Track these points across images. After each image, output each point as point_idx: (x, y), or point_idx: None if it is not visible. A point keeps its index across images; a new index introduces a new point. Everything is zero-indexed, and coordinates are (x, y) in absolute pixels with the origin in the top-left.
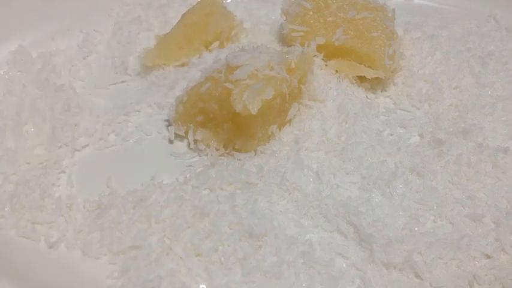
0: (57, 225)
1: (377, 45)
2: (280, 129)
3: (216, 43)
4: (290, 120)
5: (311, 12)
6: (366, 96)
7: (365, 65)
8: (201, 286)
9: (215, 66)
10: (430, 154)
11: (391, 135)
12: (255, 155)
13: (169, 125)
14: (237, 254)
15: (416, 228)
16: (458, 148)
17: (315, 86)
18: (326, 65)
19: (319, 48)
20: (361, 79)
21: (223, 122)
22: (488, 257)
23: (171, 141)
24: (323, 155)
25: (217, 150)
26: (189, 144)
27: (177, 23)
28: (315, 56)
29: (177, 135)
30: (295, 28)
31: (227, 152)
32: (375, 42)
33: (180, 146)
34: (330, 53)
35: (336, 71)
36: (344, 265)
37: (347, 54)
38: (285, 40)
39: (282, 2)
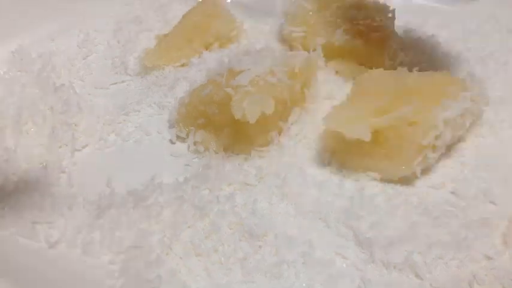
0: (57, 225)
1: (377, 45)
2: (280, 134)
3: (216, 43)
4: (291, 124)
5: (311, 13)
6: None
7: (365, 66)
8: (201, 286)
9: (218, 69)
10: (435, 156)
11: None
12: (255, 158)
13: (171, 125)
14: (237, 254)
15: (416, 228)
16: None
17: (317, 87)
18: (326, 66)
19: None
20: None
21: (224, 125)
22: (488, 257)
23: (171, 142)
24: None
25: (216, 153)
26: (189, 145)
27: (178, 23)
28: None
29: (178, 136)
30: (295, 29)
31: (226, 155)
32: (375, 43)
33: (181, 146)
34: (330, 53)
35: (337, 72)
36: (344, 265)
37: (347, 54)
38: (285, 40)
39: (282, 2)
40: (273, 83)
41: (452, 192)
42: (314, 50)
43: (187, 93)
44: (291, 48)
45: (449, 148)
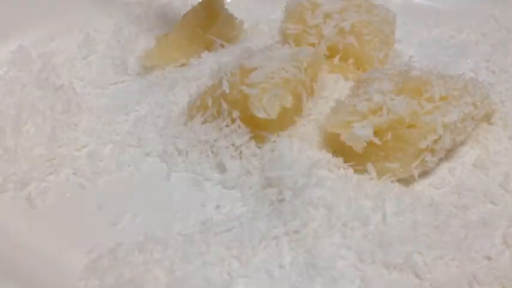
0: (57, 225)
1: (368, 48)
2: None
3: (216, 43)
4: (307, 116)
5: (310, 11)
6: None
7: (355, 67)
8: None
9: (225, 69)
10: (434, 160)
11: None
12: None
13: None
14: (237, 254)
15: (416, 228)
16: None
17: (324, 81)
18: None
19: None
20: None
21: (242, 124)
22: (488, 257)
23: None
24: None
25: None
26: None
27: (177, 23)
28: (325, 54)
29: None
30: (291, 26)
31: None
32: (366, 45)
33: None
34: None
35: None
36: (344, 265)
37: (338, 54)
38: (282, 38)
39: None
40: (287, 78)
41: (452, 192)
42: (319, 44)
43: (197, 95)
44: (285, 44)
45: (449, 151)
